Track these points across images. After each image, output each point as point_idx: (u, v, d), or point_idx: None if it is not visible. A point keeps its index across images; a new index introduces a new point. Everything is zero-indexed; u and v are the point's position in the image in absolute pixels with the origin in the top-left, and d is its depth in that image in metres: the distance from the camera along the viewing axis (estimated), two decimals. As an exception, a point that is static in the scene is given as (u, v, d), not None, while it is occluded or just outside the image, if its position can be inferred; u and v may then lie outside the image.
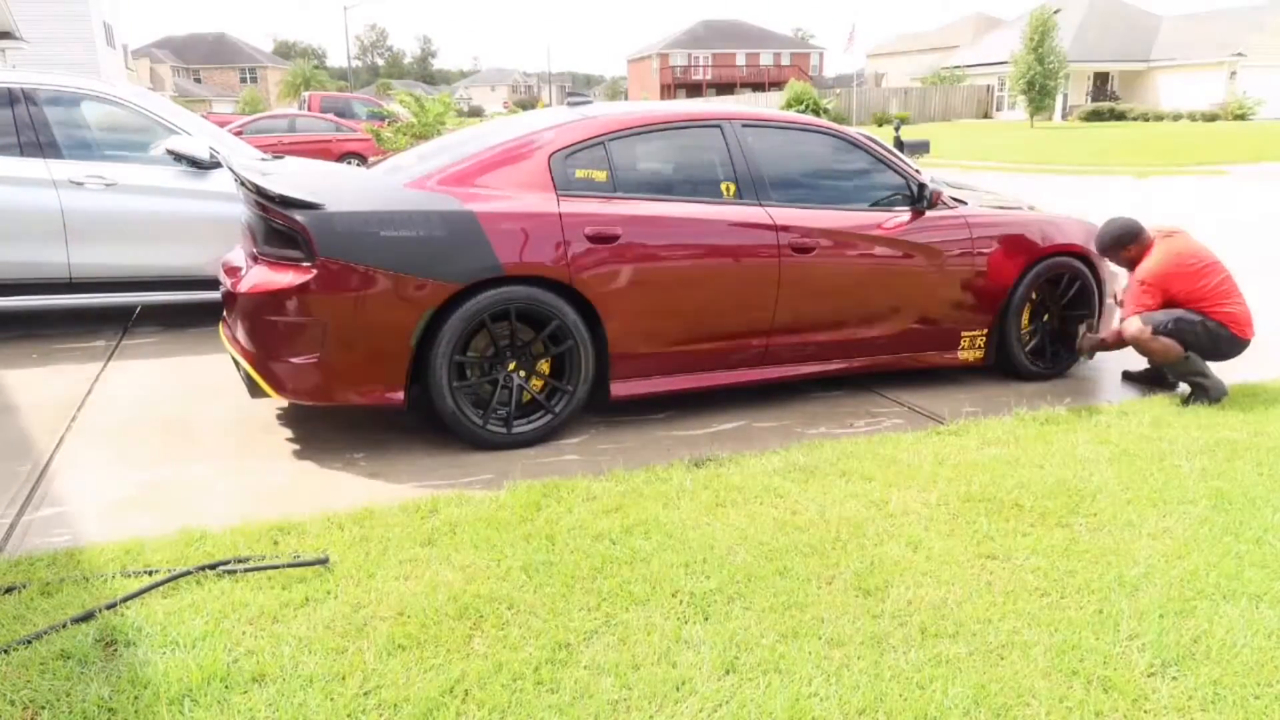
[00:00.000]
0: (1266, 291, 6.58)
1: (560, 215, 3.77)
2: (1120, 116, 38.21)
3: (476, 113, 53.21)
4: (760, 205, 4.17)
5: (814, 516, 3.09)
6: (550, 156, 3.89)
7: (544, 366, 3.92)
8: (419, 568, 2.72)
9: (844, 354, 4.44)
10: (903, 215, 4.48)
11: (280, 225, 3.56)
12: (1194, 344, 4.37)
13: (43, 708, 2.09)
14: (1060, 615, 2.50)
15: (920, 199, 4.50)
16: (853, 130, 4.98)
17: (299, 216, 3.49)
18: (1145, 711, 2.13)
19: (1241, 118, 35.96)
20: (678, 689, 2.18)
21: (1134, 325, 4.36)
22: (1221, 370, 4.87)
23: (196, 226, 5.62)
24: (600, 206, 3.88)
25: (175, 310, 6.18)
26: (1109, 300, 4.96)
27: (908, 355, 4.61)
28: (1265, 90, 36.78)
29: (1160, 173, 19.39)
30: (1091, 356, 4.96)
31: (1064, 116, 41.59)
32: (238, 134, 12.71)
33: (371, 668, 2.24)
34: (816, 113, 35.53)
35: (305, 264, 3.51)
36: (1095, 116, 38.12)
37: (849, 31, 38.56)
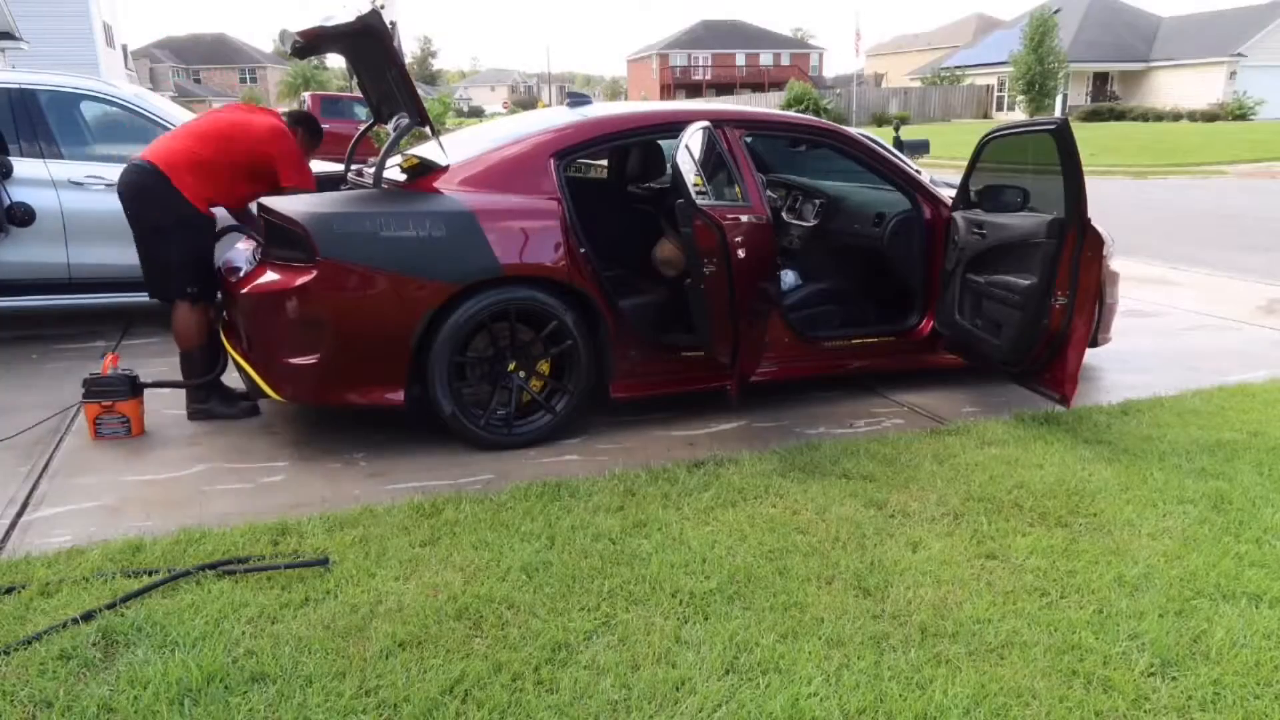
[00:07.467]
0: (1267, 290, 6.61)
1: (560, 216, 3.77)
2: (1120, 116, 38.19)
3: (476, 113, 53.20)
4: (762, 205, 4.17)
5: (814, 516, 3.09)
6: (550, 156, 3.89)
7: (544, 367, 3.92)
8: (419, 568, 2.73)
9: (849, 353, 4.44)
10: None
11: (280, 226, 3.56)
12: None
13: (43, 708, 2.09)
14: (1060, 615, 2.50)
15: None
16: (852, 130, 4.98)
17: (298, 217, 3.49)
18: (1145, 711, 2.13)
19: (1241, 118, 35.98)
20: (678, 689, 2.18)
21: None
22: (1220, 371, 4.88)
23: None
24: None
25: (175, 310, 6.17)
26: (1109, 301, 4.96)
27: (908, 355, 4.61)
28: (1265, 90, 36.79)
29: (1160, 173, 19.39)
30: None
31: (1064, 116, 41.53)
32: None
33: (371, 668, 2.24)
34: (817, 113, 35.53)
35: (305, 264, 3.51)
36: (1095, 116, 38.09)
37: (856, 34, 38.62)
